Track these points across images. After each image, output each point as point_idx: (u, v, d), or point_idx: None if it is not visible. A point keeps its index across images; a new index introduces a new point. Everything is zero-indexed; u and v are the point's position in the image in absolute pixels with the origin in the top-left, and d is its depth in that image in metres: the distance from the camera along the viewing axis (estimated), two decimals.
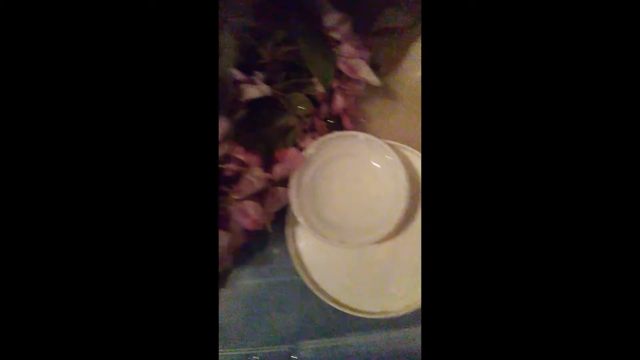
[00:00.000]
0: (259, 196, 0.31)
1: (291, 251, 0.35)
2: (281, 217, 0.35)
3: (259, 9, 0.36)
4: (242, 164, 0.31)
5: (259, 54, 0.35)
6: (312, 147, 0.34)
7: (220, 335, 0.36)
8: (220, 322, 0.36)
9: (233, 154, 0.31)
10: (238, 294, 0.36)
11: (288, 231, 0.35)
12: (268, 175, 0.31)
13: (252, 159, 0.31)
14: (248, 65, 0.35)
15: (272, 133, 0.38)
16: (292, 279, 0.36)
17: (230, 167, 0.30)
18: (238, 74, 0.34)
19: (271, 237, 0.34)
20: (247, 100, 0.35)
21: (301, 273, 0.35)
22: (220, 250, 0.30)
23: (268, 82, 0.35)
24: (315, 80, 0.36)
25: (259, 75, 0.35)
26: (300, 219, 0.33)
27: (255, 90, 0.34)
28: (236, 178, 0.32)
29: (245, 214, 0.30)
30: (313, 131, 0.37)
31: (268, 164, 0.33)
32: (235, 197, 0.29)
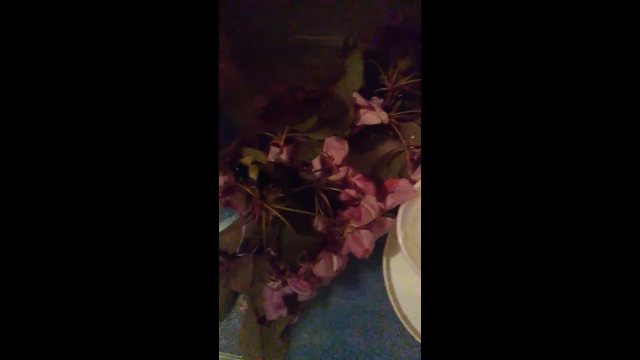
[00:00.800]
0: (369, 225, 0.31)
1: (385, 280, 0.35)
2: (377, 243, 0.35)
3: (386, 37, 0.36)
4: (360, 191, 0.31)
5: (381, 81, 0.36)
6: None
7: (303, 352, 0.36)
8: (304, 340, 0.36)
9: (352, 180, 0.31)
10: (325, 313, 0.37)
11: (384, 259, 0.35)
12: (381, 205, 0.31)
13: (368, 186, 0.31)
14: (368, 91, 0.36)
15: (377, 158, 0.38)
16: (381, 307, 0.36)
17: (348, 193, 0.31)
18: (360, 99, 0.34)
19: (365, 261, 0.34)
20: (362, 125, 0.35)
21: (393, 304, 0.35)
22: (327, 274, 0.30)
23: (385, 109, 0.35)
24: None
25: (377, 102, 0.36)
26: (404, 252, 0.33)
27: (374, 117, 0.34)
28: (347, 203, 0.32)
29: (360, 243, 0.30)
30: (420, 162, 0.36)
31: (378, 191, 0.33)
32: (355, 225, 0.30)
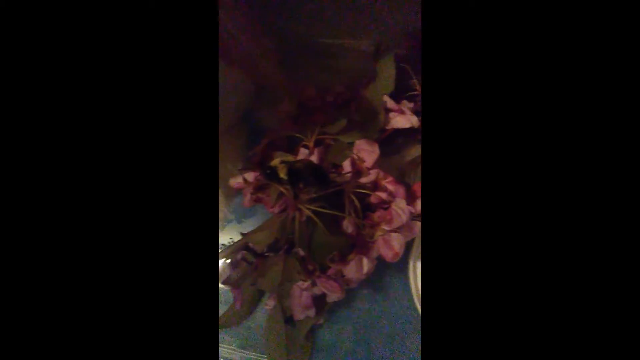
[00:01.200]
0: (399, 228, 0.31)
1: (412, 285, 0.35)
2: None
3: (417, 40, 0.36)
4: (391, 194, 0.31)
5: (412, 85, 0.36)
6: None
7: (326, 354, 0.36)
8: (327, 341, 0.36)
9: (383, 183, 0.31)
10: (349, 316, 0.37)
11: (410, 264, 0.35)
12: (411, 208, 0.31)
13: (399, 190, 0.31)
14: (398, 94, 0.36)
15: (404, 162, 0.38)
16: (406, 311, 0.36)
17: (379, 195, 0.31)
18: (390, 102, 0.35)
19: (392, 265, 0.34)
20: (392, 129, 0.35)
21: (419, 308, 0.35)
22: (356, 276, 0.31)
23: (415, 113, 0.35)
24: None
25: (407, 105, 0.36)
26: None
27: (405, 121, 0.34)
28: (377, 206, 0.32)
29: (391, 246, 0.30)
30: None
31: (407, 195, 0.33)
32: (386, 227, 0.30)
